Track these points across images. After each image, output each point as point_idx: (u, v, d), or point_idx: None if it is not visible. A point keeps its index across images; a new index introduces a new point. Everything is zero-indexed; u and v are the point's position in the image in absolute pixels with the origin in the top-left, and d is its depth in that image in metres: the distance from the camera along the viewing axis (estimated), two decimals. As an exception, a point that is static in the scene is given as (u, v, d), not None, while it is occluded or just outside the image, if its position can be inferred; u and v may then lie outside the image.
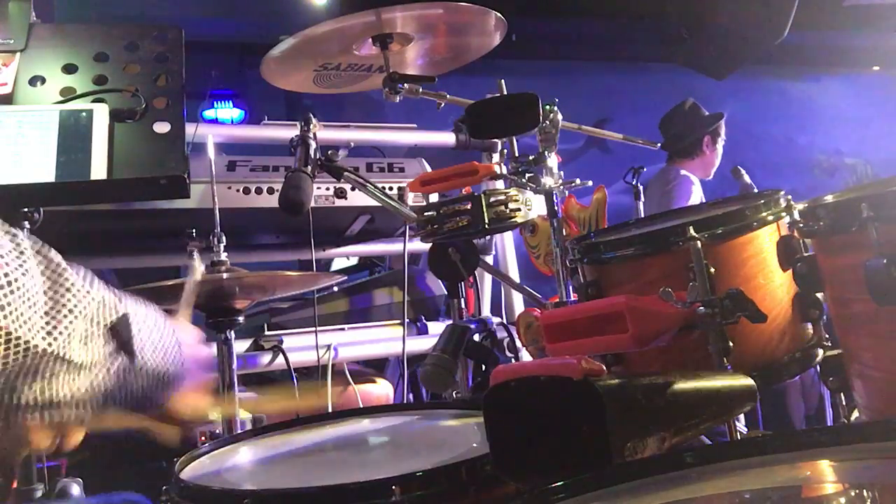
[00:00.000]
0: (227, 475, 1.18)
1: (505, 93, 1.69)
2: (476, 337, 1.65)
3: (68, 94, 1.52)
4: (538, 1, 5.18)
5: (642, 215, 2.81)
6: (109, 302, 0.82)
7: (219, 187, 1.92)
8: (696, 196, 3.72)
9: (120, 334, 0.81)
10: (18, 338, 0.73)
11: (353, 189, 2.38)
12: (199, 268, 1.31)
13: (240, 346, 2.25)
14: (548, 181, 1.56)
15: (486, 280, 2.74)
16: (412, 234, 2.23)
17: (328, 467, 1.21)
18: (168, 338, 0.89)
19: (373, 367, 2.87)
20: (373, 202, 1.93)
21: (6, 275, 0.72)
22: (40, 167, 1.40)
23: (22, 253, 0.76)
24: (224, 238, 1.85)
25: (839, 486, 0.73)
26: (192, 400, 0.92)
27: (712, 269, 1.14)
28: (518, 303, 2.75)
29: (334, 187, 2.37)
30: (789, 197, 1.30)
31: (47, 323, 0.75)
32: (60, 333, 0.76)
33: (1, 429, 0.79)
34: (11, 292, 0.72)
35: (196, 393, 0.93)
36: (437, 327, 2.51)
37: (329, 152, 1.87)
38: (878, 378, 1.07)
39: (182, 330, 0.96)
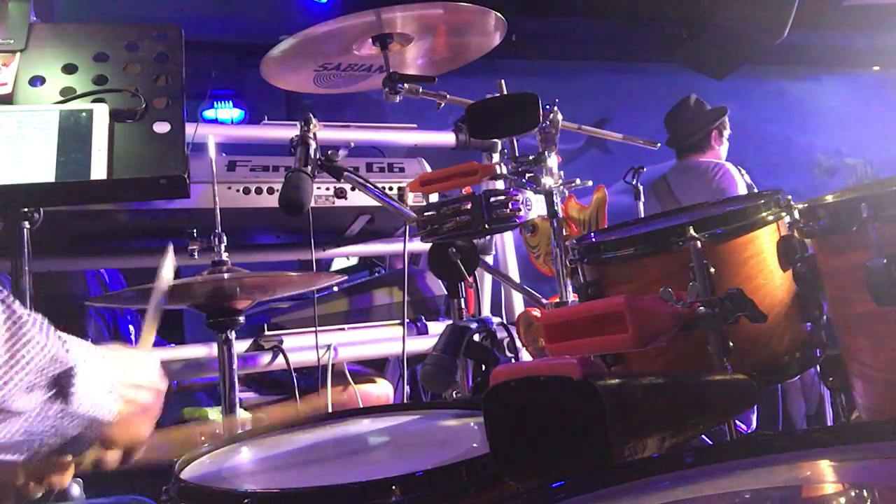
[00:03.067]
0: (227, 475, 1.18)
1: (505, 93, 1.69)
2: (476, 337, 1.64)
3: (68, 94, 1.52)
4: (538, 1, 5.18)
5: (643, 215, 2.81)
6: (60, 355, 0.82)
7: (219, 187, 1.92)
8: (741, 180, 3.70)
9: (61, 384, 0.82)
10: None
11: (353, 189, 2.37)
12: (167, 272, 1.23)
13: (240, 346, 2.25)
14: (548, 181, 1.56)
15: (486, 280, 2.74)
16: (412, 234, 2.23)
17: (328, 467, 1.21)
18: (107, 381, 0.89)
19: (373, 367, 2.86)
20: (373, 202, 1.93)
21: None
22: (40, 167, 1.40)
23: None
24: (224, 238, 1.85)
25: (839, 486, 0.73)
26: (130, 429, 0.93)
27: (712, 269, 1.14)
28: (518, 303, 2.75)
29: (334, 187, 2.37)
30: (789, 197, 1.30)
31: (2, 376, 0.76)
32: (9, 387, 0.77)
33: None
34: None
35: (134, 423, 0.93)
36: (437, 327, 2.51)
37: (329, 152, 1.87)
38: (878, 378, 1.07)
39: (133, 360, 0.97)
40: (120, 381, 0.92)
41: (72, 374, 0.83)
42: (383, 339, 2.50)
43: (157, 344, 2.34)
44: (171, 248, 1.27)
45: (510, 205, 1.67)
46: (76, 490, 1.71)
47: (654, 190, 3.80)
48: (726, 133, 3.91)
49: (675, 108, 3.95)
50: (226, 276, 1.73)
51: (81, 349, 0.87)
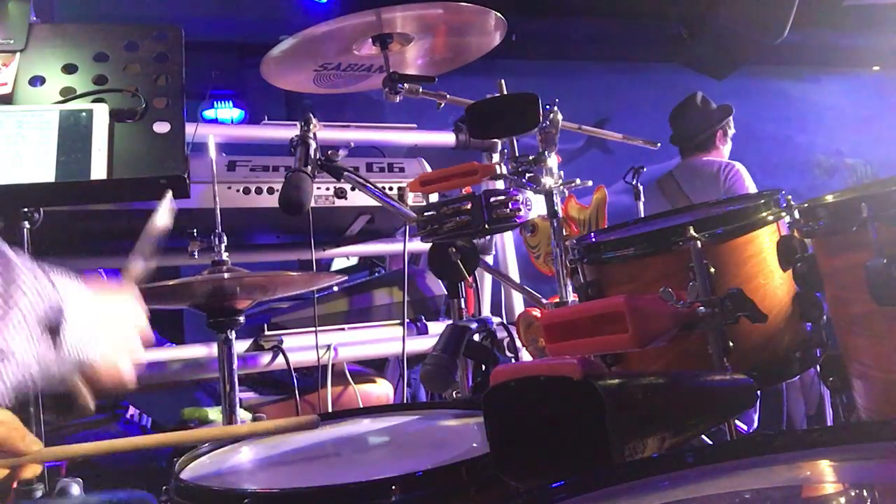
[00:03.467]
0: (227, 475, 1.18)
1: (505, 93, 1.69)
2: (476, 337, 1.64)
3: (68, 94, 1.52)
4: (538, 1, 5.18)
5: (643, 215, 2.81)
6: (51, 295, 0.83)
7: (219, 187, 1.92)
8: (749, 179, 3.71)
9: (53, 324, 0.83)
10: None
11: (353, 189, 2.37)
12: (161, 217, 1.19)
13: (240, 346, 2.25)
14: (548, 181, 1.56)
15: (486, 280, 2.74)
16: (412, 234, 2.23)
17: (328, 467, 1.21)
18: (94, 319, 0.90)
19: (373, 367, 2.86)
20: (373, 202, 1.93)
21: None
22: (40, 167, 1.40)
23: None
24: (224, 238, 1.85)
25: (839, 486, 0.73)
26: (114, 368, 0.93)
27: (712, 269, 1.14)
28: (518, 303, 2.75)
29: (334, 187, 2.37)
30: (789, 197, 1.30)
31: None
32: (5, 326, 0.78)
33: None
34: None
35: (119, 361, 0.93)
36: (437, 327, 2.51)
37: (329, 152, 1.87)
38: (878, 378, 1.07)
39: (114, 297, 0.97)
40: (104, 319, 0.92)
41: (62, 313, 0.84)
42: (383, 339, 2.50)
43: (157, 343, 2.35)
44: (169, 194, 1.25)
45: (510, 205, 1.67)
46: (76, 490, 1.72)
47: (662, 187, 3.79)
48: (731, 133, 3.91)
49: (681, 106, 3.93)
50: (226, 275, 1.73)
51: (70, 287, 0.87)
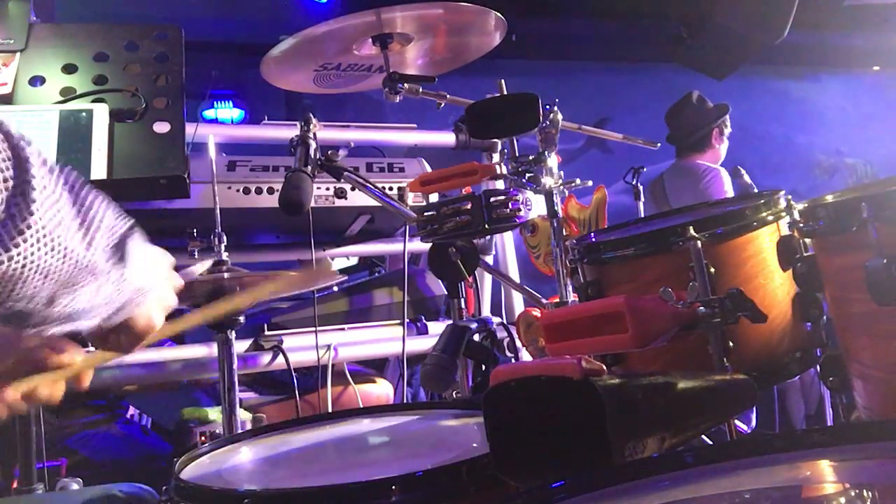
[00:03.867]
0: (227, 475, 1.18)
1: (505, 93, 1.69)
2: (476, 337, 1.64)
3: (68, 94, 1.52)
4: (538, 1, 5.18)
5: (643, 215, 2.81)
6: (119, 215, 0.83)
7: (219, 187, 1.92)
8: (730, 187, 3.72)
9: (122, 246, 0.82)
10: (72, 250, 0.74)
11: (353, 189, 2.37)
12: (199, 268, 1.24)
13: (240, 346, 2.25)
14: (548, 181, 1.56)
15: (486, 280, 2.74)
16: (412, 234, 2.23)
17: (328, 467, 1.21)
18: (148, 253, 0.90)
19: (373, 367, 2.86)
20: (373, 202, 1.93)
21: (47, 188, 0.72)
22: (40, 167, 1.40)
23: (51, 171, 0.75)
24: (224, 238, 1.85)
25: (839, 486, 0.73)
26: (149, 316, 0.91)
27: (712, 269, 1.14)
28: (518, 303, 2.75)
29: (334, 187, 2.37)
30: (789, 197, 1.30)
31: (84, 236, 0.76)
32: (93, 246, 0.77)
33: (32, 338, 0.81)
34: (59, 211, 0.73)
35: (155, 309, 0.92)
36: (437, 327, 2.51)
37: (329, 152, 1.87)
38: (878, 378, 1.07)
39: (154, 251, 0.96)
40: (153, 260, 0.92)
41: (130, 234, 0.83)
42: (383, 339, 2.50)
43: (157, 343, 2.35)
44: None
45: (510, 205, 1.67)
46: (76, 489, 1.72)
47: (652, 191, 3.80)
48: (727, 132, 3.90)
49: (677, 106, 3.94)
50: (226, 275, 1.73)
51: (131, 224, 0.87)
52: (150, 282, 0.88)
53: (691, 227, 1.17)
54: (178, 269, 1.03)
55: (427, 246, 1.80)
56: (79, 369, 0.92)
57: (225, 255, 1.83)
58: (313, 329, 2.33)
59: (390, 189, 2.42)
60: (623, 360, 1.31)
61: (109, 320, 0.84)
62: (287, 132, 2.11)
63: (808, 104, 6.72)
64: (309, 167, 1.80)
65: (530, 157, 1.59)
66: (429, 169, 2.58)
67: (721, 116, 3.86)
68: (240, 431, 1.77)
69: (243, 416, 2.05)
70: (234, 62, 5.07)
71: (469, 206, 1.66)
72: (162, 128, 1.52)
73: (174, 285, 0.97)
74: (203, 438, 2.27)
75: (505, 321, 1.99)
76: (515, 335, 1.78)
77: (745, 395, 0.99)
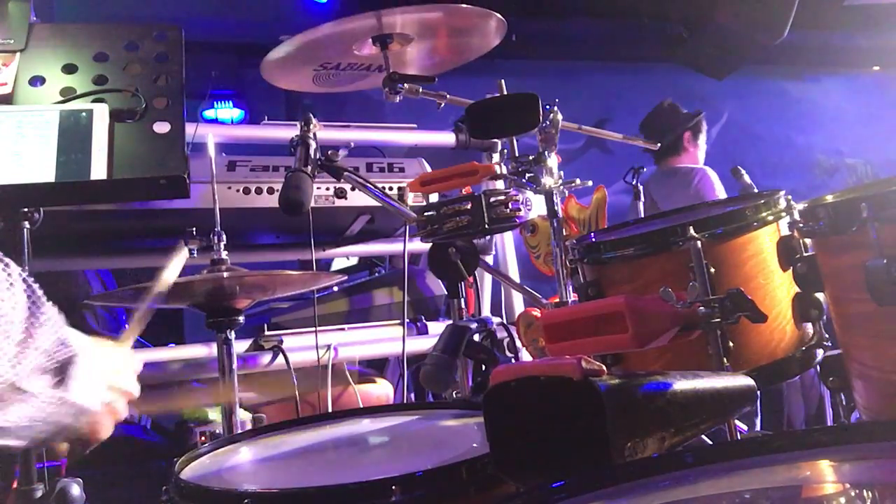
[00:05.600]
0: (227, 475, 1.18)
1: (505, 93, 1.69)
2: (476, 337, 1.64)
3: (68, 94, 1.52)
4: (538, 1, 5.18)
5: (642, 215, 2.81)
6: (67, 341, 0.85)
7: (219, 187, 1.92)
8: (719, 185, 3.74)
9: (64, 370, 0.85)
10: None
11: (353, 189, 2.37)
12: (171, 273, 1.20)
13: (240, 346, 2.25)
14: (548, 181, 1.56)
15: (486, 280, 2.74)
16: (412, 234, 2.23)
17: (328, 467, 1.21)
18: (98, 373, 0.92)
19: (373, 367, 2.86)
20: (373, 202, 1.93)
21: None
22: (40, 167, 1.40)
23: (12, 285, 0.79)
24: (224, 237, 1.85)
25: (839, 486, 0.73)
26: (98, 425, 0.94)
27: (712, 269, 1.14)
28: (518, 303, 2.75)
29: (334, 187, 2.37)
30: (789, 197, 1.30)
31: (17, 354, 0.79)
32: (24, 365, 0.79)
33: None
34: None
35: (104, 420, 0.95)
36: (437, 327, 2.51)
37: (329, 152, 1.87)
38: (877, 378, 1.07)
39: (116, 358, 0.99)
40: (106, 376, 0.94)
41: (74, 361, 0.85)
42: (383, 339, 2.50)
43: (157, 343, 2.35)
44: (185, 251, 1.26)
45: (510, 205, 1.67)
46: (76, 490, 1.71)
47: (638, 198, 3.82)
48: (702, 136, 3.93)
49: (650, 114, 3.99)
50: (225, 275, 1.73)
51: (78, 338, 0.89)
52: (96, 401, 0.90)
53: (691, 227, 1.18)
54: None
55: (427, 246, 1.80)
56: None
57: (224, 255, 1.83)
58: (313, 329, 2.33)
59: (390, 189, 2.42)
60: (623, 360, 1.31)
61: (52, 437, 0.87)
62: (287, 132, 2.11)
63: (808, 104, 6.72)
64: (309, 167, 1.80)
65: (530, 157, 1.59)
66: (429, 169, 2.58)
67: (693, 119, 3.88)
68: (240, 431, 1.77)
69: (243, 416, 2.05)
70: (234, 62, 5.08)
71: (469, 206, 1.66)
72: (162, 128, 1.52)
73: (130, 392, 0.99)
74: (203, 438, 2.27)
75: (505, 321, 1.99)
76: (515, 335, 1.78)
77: (745, 395, 0.99)
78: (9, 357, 0.78)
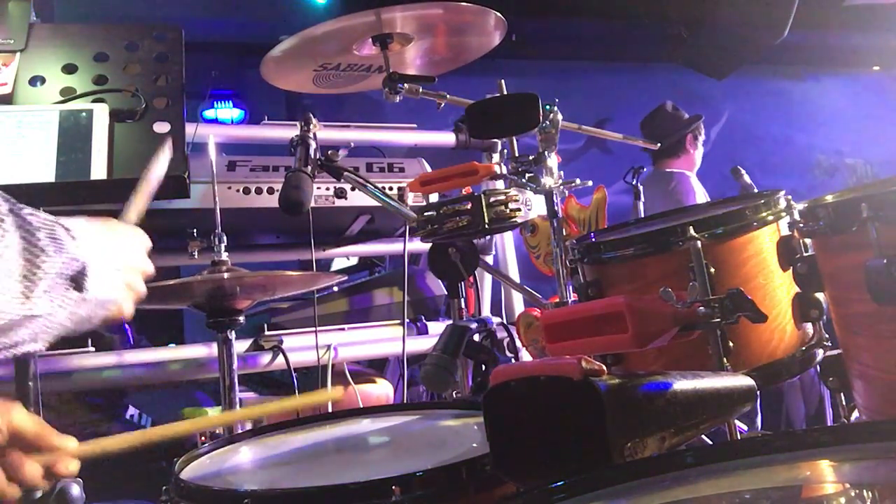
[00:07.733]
0: (227, 475, 1.18)
1: (505, 93, 1.69)
2: (476, 337, 1.64)
3: (68, 94, 1.52)
4: (538, 1, 5.18)
5: (642, 215, 2.81)
6: (74, 254, 0.85)
7: (219, 187, 1.92)
8: (699, 189, 3.79)
9: (78, 279, 0.85)
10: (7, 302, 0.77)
11: (353, 189, 2.37)
12: (162, 161, 1.21)
13: (240, 346, 2.25)
14: (548, 181, 1.56)
15: (486, 280, 2.74)
16: (412, 234, 2.23)
17: (328, 467, 1.21)
18: (113, 265, 0.93)
19: (373, 367, 2.86)
20: (373, 202, 1.92)
21: None
22: (40, 167, 1.40)
23: (2, 220, 0.78)
24: (224, 238, 1.85)
25: (839, 486, 0.73)
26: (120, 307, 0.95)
27: (712, 269, 1.14)
28: (518, 303, 2.75)
29: (334, 187, 2.37)
30: (789, 197, 1.30)
31: (25, 288, 0.79)
32: (35, 295, 0.80)
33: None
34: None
35: (125, 301, 0.96)
36: (437, 327, 2.51)
37: (329, 152, 1.87)
38: (878, 378, 1.07)
39: (127, 240, 1.01)
40: (117, 256, 0.95)
41: (86, 270, 0.86)
42: (383, 339, 2.50)
43: (157, 343, 2.35)
44: (169, 142, 1.26)
45: (510, 205, 1.67)
46: (76, 490, 1.71)
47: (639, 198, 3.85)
48: (700, 138, 3.97)
49: (651, 114, 4.00)
50: (226, 275, 1.73)
51: (87, 235, 0.89)
52: (113, 290, 0.92)
53: (691, 227, 1.18)
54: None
55: (427, 246, 1.80)
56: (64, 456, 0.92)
57: (225, 255, 1.83)
58: (313, 329, 2.33)
59: (390, 189, 2.42)
60: (623, 360, 1.31)
61: (79, 327, 0.88)
62: (287, 132, 2.11)
63: (808, 104, 6.72)
64: (309, 167, 1.80)
65: (530, 157, 1.59)
66: (429, 169, 2.58)
67: (694, 122, 3.91)
68: (240, 431, 1.77)
69: (243, 416, 2.04)
70: (234, 62, 5.08)
71: (469, 206, 1.66)
72: (162, 128, 1.52)
73: (145, 272, 1.01)
74: (203, 438, 2.27)
75: (505, 321, 1.99)
76: (515, 335, 1.78)
77: (745, 395, 0.99)
78: (13, 294, 0.78)
